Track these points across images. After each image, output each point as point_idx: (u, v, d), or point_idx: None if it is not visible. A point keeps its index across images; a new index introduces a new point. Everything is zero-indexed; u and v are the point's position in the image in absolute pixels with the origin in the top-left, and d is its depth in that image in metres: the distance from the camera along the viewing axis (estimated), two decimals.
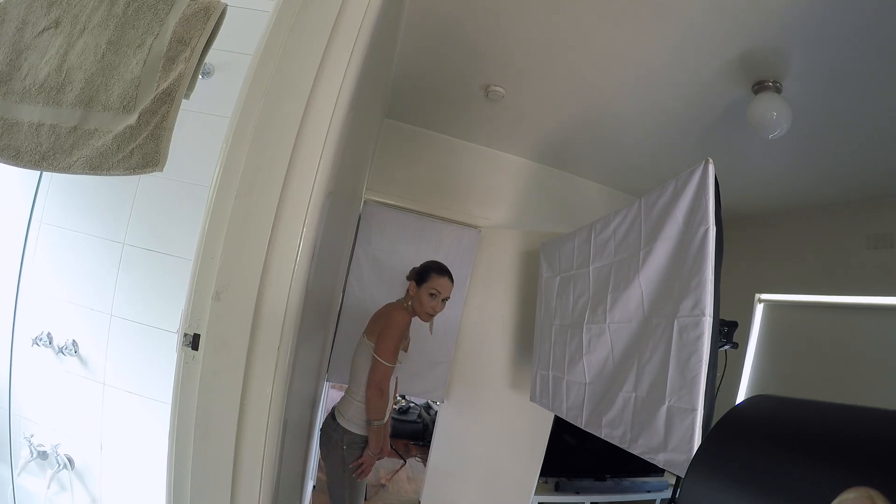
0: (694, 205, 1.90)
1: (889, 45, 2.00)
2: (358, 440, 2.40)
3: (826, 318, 3.75)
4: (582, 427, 2.48)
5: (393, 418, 3.99)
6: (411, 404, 6.41)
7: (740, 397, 4.10)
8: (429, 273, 2.57)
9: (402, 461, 5.21)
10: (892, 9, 1.81)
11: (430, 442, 4.22)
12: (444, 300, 2.61)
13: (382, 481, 4.70)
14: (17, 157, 1.42)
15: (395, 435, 5.46)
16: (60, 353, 2.15)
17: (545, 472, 3.99)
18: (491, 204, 4.24)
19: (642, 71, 2.60)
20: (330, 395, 4.57)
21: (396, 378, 2.56)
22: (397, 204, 4.02)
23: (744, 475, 0.41)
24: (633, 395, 2.08)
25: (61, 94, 1.39)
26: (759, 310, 4.30)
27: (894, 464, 0.32)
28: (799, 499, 0.35)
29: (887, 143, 2.75)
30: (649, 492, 4.57)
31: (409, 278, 2.67)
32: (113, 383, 2.15)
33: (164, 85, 1.34)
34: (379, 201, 3.97)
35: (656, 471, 4.42)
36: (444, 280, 2.58)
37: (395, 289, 3.66)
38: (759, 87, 2.43)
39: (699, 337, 1.75)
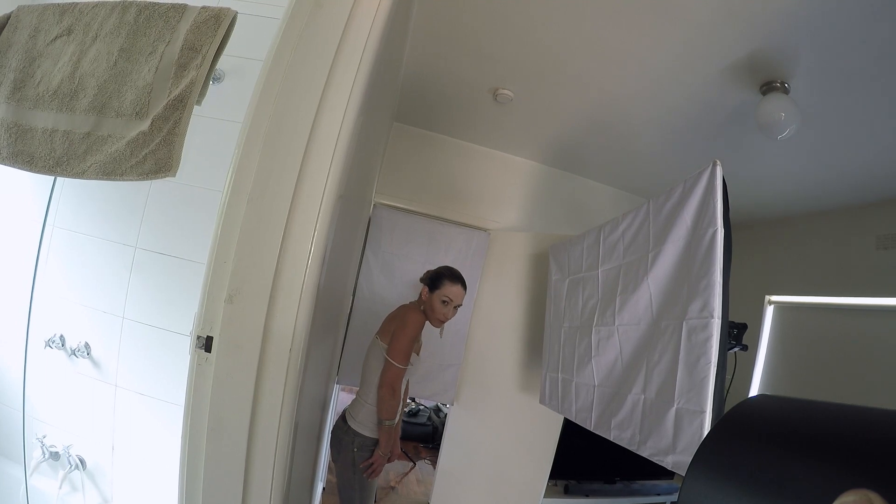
0: (702, 207, 1.90)
1: None
2: (368, 443, 2.41)
3: (836, 319, 3.73)
4: (591, 429, 2.47)
5: (403, 421, 3.99)
6: (421, 407, 6.41)
7: None
8: (441, 280, 2.56)
9: (411, 463, 5.21)
10: None
11: (439, 444, 4.22)
12: (456, 307, 2.60)
13: (392, 483, 4.70)
14: (31, 163, 1.43)
15: (405, 437, 5.46)
16: (73, 355, 2.17)
17: (554, 474, 3.97)
18: (500, 207, 4.25)
19: (650, 73, 2.60)
20: (340, 398, 4.58)
21: (407, 381, 2.56)
22: (407, 207, 4.03)
23: (744, 475, 0.42)
24: (642, 397, 2.08)
25: (74, 100, 1.41)
26: (769, 312, 4.28)
27: (893, 466, 0.32)
28: (798, 500, 0.35)
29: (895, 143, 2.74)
30: (659, 494, 4.54)
31: (422, 281, 2.67)
32: (125, 385, 2.17)
33: (176, 91, 1.35)
34: (388, 204, 3.98)
35: (666, 474, 4.39)
36: (457, 288, 2.57)
37: (405, 291, 3.68)
38: (767, 87, 2.43)
39: (708, 339, 1.74)
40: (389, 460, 2.47)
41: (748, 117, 2.64)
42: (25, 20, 1.55)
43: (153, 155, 1.35)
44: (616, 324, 2.37)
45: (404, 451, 5.05)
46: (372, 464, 2.39)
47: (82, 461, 2.23)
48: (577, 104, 3.14)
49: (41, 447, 2.19)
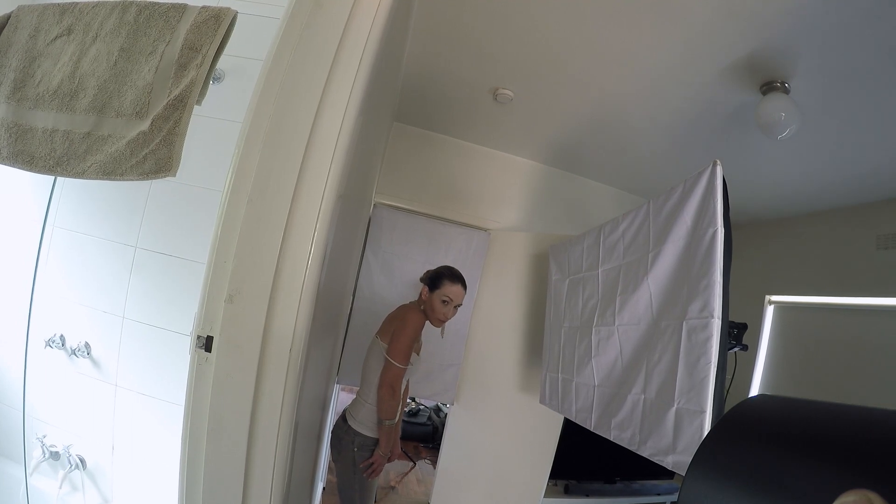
0: (702, 207, 1.90)
1: None
2: (369, 442, 2.41)
3: (836, 319, 3.73)
4: (591, 429, 2.47)
5: (403, 420, 3.99)
6: (421, 407, 6.41)
7: None
8: (441, 279, 2.56)
9: (411, 463, 5.21)
10: None
11: (439, 444, 4.22)
12: (456, 307, 2.60)
13: (392, 483, 4.70)
14: (31, 163, 1.43)
15: (405, 437, 5.46)
16: (73, 355, 2.17)
17: (554, 474, 3.97)
18: (500, 206, 4.25)
19: (650, 72, 2.60)
20: (340, 398, 4.58)
21: (407, 381, 2.56)
22: (407, 207, 4.03)
23: (744, 475, 0.42)
24: (642, 397, 2.08)
25: (74, 100, 1.41)
26: (769, 312, 4.28)
27: (893, 466, 0.32)
28: (798, 500, 0.35)
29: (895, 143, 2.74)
30: (659, 494, 4.54)
31: (422, 281, 2.66)
32: (125, 385, 2.17)
33: (176, 91, 1.35)
34: (389, 204, 3.98)
35: (666, 473, 4.39)
36: (457, 288, 2.57)
37: (405, 291, 3.68)
38: (767, 87, 2.43)
39: (708, 339, 1.75)
40: (389, 460, 2.47)
41: (748, 117, 2.64)
42: (25, 20, 1.55)
43: (153, 155, 1.34)
44: (616, 324, 2.37)
45: (404, 451, 5.05)
46: (372, 463, 2.39)
47: (82, 461, 2.23)
48: (577, 104, 3.14)
49: (41, 447, 2.19)
